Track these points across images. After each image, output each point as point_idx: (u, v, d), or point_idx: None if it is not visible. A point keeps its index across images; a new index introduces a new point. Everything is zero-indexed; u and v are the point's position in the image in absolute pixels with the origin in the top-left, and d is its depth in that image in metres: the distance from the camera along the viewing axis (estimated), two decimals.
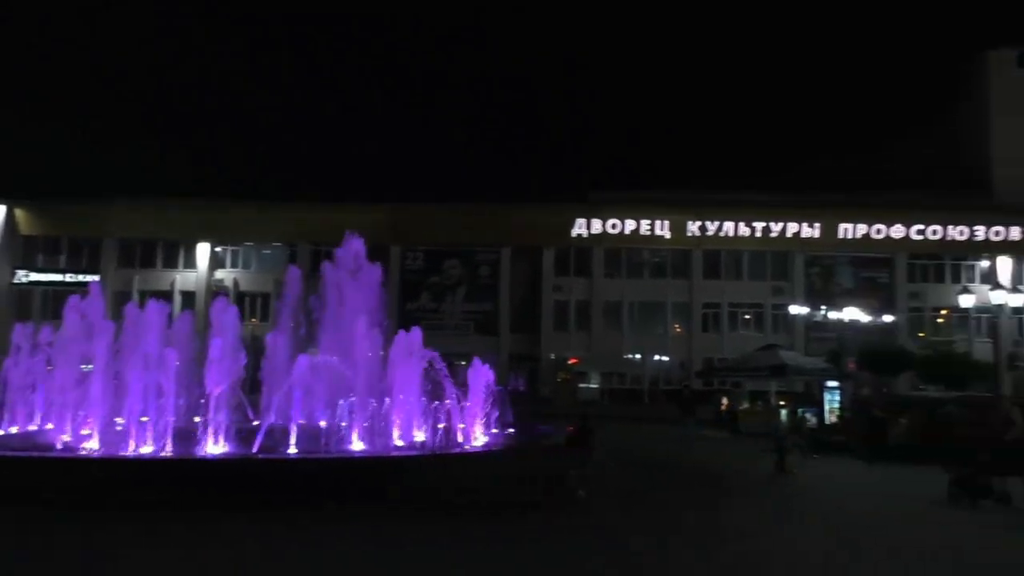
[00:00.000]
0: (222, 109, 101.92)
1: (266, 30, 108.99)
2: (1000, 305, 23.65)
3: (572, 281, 51.84)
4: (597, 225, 51.43)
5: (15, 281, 50.44)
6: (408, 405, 13.58)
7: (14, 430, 14.70)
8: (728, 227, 51.49)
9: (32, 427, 14.97)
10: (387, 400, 12.65)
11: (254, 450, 11.48)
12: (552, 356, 50.86)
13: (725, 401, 31.92)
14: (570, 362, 50.25)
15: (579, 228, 51.55)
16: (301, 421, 12.70)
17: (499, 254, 51.98)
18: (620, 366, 50.52)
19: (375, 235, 21.02)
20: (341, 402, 12.86)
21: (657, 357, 51.62)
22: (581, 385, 49.84)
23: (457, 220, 50.84)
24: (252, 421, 14.80)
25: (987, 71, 55.99)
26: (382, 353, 15.67)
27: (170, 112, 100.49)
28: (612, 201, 52.42)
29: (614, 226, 51.44)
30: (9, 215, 50.58)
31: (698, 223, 51.45)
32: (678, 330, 52.20)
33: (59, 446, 12.32)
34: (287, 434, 12.28)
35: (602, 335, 51.05)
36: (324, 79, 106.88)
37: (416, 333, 14.55)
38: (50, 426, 14.48)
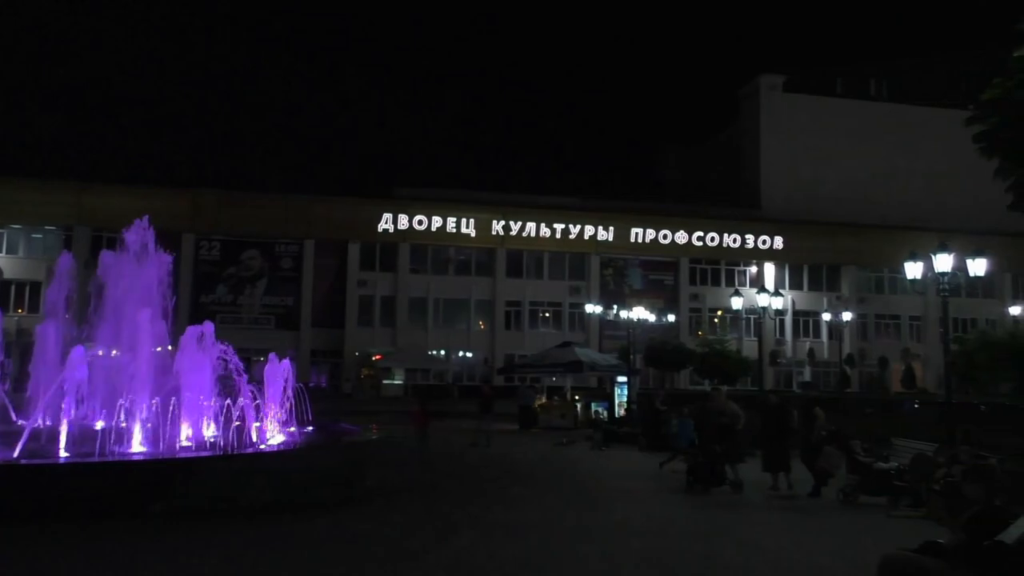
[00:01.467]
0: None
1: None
2: (764, 307, 26.23)
3: (377, 276, 51.35)
4: (404, 220, 51.30)
5: None
6: (198, 403, 12.78)
7: None
8: (530, 228, 53.23)
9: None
10: (174, 398, 11.85)
11: (14, 455, 10.30)
12: (356, 352, 50.07)
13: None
14: (374, 358, 49.73)
15: (386, 223, 51.17)
16: (74, 422, 11.57)
17: (302, 246, 50.41)
18: (425, 362, 50.70)
19: (168, 222, 19.50)
20: (121, 401, 11.83)
21: (461, 353, 52.33)
22: (385, 381, 49.49)
23: (258, 209, 48.74)
24: (16, 423, 13.30)
25: (758, 94, 61.95)
26: (170, 347, 14.65)
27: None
28: (419, 198, 52.54)
29: (420, 222, 51.54)
30: None
31: (502, 223, 52.74)
32: (482, 327, 53.22)
33: None
34: (56, 437, 11.14)
35: (407, 331, 50.98)
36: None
37: (208, 326, 13.72)
38: None
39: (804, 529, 10.95)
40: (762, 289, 29.76)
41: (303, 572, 7.82)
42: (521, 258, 53.81)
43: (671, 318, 50.46)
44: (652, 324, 42.91)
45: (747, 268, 57.12)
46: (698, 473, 14.04)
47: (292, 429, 14.70)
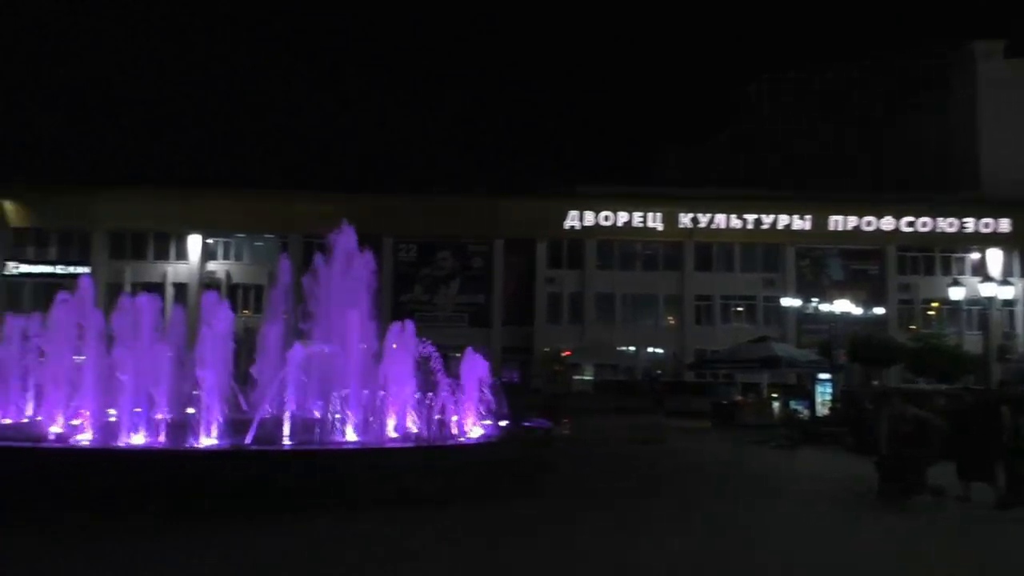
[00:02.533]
0: (214, 99, 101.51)
1: (259, 22, 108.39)
2: (990, 297, 23.74)
3: (565, 273, 51.84)
4: (590, 217, 51.44)
5: (5, 273, 50.05)
6: (402, 397, 13.55)
7: (7, 421, 14.61)
8: (720, 219, 51.59)
9: (24, 419, 14.88)
10: (381, 392, 12.63)
11: (247, 441, 11.43)
12: (545, 348, 50.87)
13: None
14: (563, 354, 50.29)
15: (572, 220, 51.52)
16: (295, 412, 12.67)
17: (491, 246, 51.91)
18: (613, 358, 50.56)
19: (367, 225, 20.88)
20: (335, 393, 12.81)
21: (651, 349, 51.74)
22: (575, 377, 49.89)
23: (449, 211, 50.70)
24: (245, 412, 14.76)
25: (974, 63, 56.13)
26: (376, 344, 15.64)
27: (162, 102, 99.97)
28: (604, 194, 52.49)
29: (607, 218, 51.46)
30: None
31: (690, 215, 51.51)
32: (671, 322, 52.31)
33: (51, 437, 12.25)
34: (280, 425, 12.24)
35: (595, 327, 51.09)
36: (316, 71, 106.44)
37: (410, 325, 14.51)
38: (39, 418, 14.41)
39: None
40: (987, 278, 26.96)
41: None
42: (710, 251, 52.31)
43: (878, 311, 46.90)
44: (856, 317, 40.13)
45: (967, 255, 51.96)
46: (893, 479, 12.65)
47: (488, 423, 15.22)
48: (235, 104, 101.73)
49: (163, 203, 49.90)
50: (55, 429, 12.80)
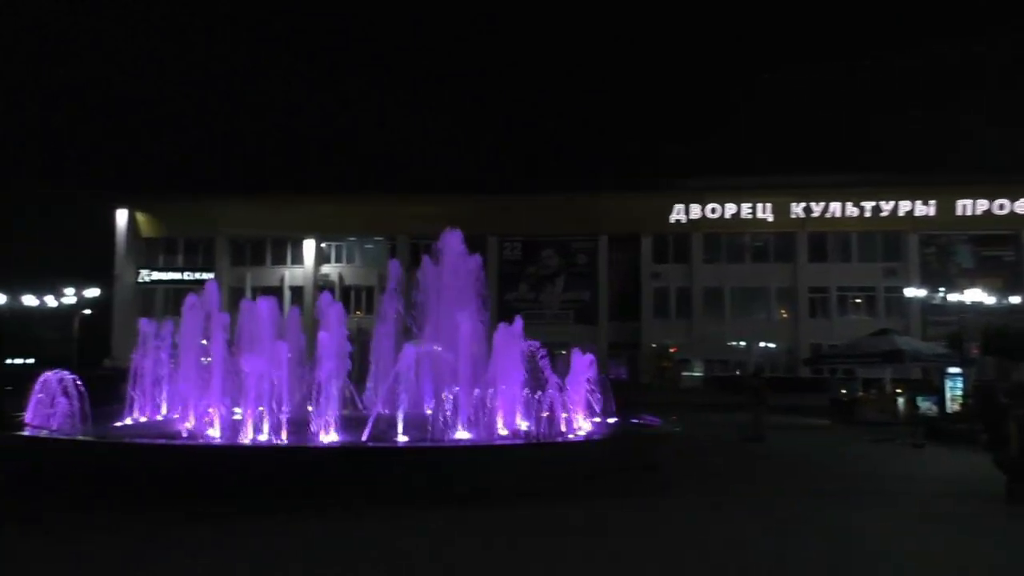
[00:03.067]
0: (324, 109, 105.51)
1: (356, 34, 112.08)
2: None
3: (671, 268, 51.06)
4: (696, 210, 50.46)
5: (140, 280, 53.58)
6: (511, 394, 13.69)
7: (143, 419, 15.65)
8: (835, 208, 49.60)
9: (159, 417, 15.90)
10: (491, 390, 12.80)
11: (363, 438, 11.81)
12: (653, 344, 50.25)
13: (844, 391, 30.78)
14: (671, 350, 49.53)
15: (677, 214, 50.67)
16: (407, 410, 13.00)
17: (596, 242, 51.70)
18: (723, 353, 49.43)
19: (472, 226, 21.22)
20: (446, 392, 13.08)
21: (762, 344, 50.26)
22: (684, 373, 49.05)
23: (553, 210, 50.80)
24: (361, 410, 15.25)
25: None
26: (484, 343, 15.87)
27: (274, 113, 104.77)
28: (710, 186, 51.34)
29: (713, 211, 50.37)
30: (131, 219, 53.71)
31: (802, 205, 49.74)
32: (784, 315, 50.65)
33: (184, 434, 13.02)
34: (394, 423, 12.59)
35: (703, 322, 50.10)
36: (408, 79, 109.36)
37: (517, 323, 14.64)
38: (175, 415, 15.35)
39: None
40: None
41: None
42: (824, 241, 50.32)
43: (1014, 299, 43.86)
44: (989, 307, 37.67)
45: None
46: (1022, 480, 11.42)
47: (597, 419, 15.17)
48: (343, 113, 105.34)
49: (279, 210, 52.30)
50: (187, 426, 13.60)
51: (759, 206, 50.13)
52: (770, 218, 50.15)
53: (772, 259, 50.83)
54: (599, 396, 15.20)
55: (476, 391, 13.16)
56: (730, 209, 50.26)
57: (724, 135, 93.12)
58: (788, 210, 49.92)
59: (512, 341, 14.13)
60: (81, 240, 58.96)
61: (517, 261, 52.57)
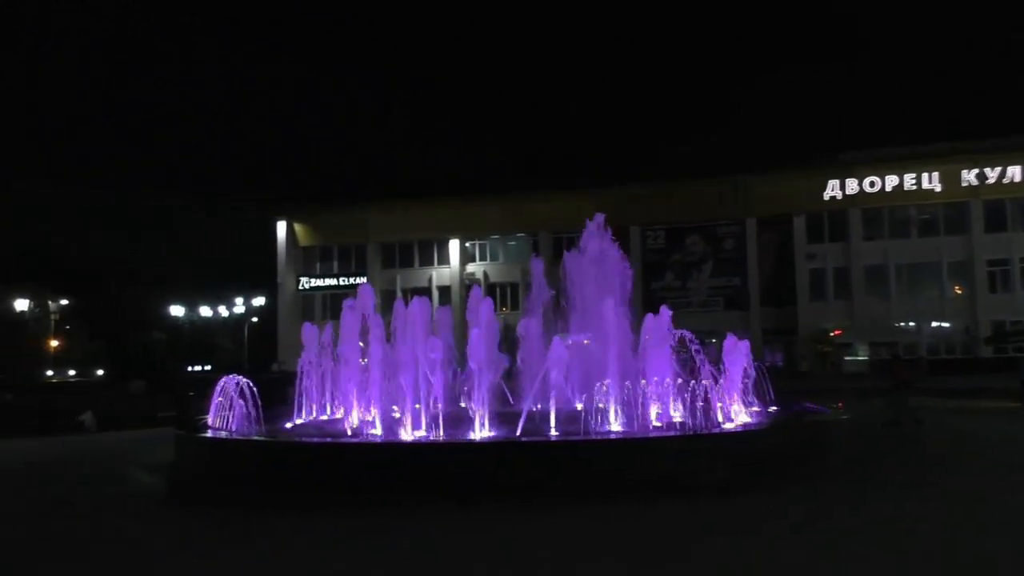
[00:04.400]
0: (457, 110, 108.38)
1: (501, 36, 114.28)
2: None
3: (827, 248, 48.57)
4: (852, 185, 47.78)
5: (300, 288, 57.03)
6: (663, 385, 13.51)
7: (310, 419, 16.63)
8: (1013, 172, 45.46)
9: (324, 416, 16.85)
10: (642, 381, 12.67)
11: (517, 433, 12.01)
12: (810, 328, 48.02)
13: None
14: (832, 334, 47.12)
15: (832, 191, 48.13)
16: (559, 404, 13.10)
17: (743, 226, 49.99)
18: (890, 335, 46.47)
19: (614, 217, 21.01)
20: (596, 385, 13.08)
21: (935, 323, 46.86)
22: (847, 358, 46.55)
23: (696, 195, 49.67)
24: (512, 406, 15.51)
25: None
26: (632, 334, 15.74)
27: (415, 118, 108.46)
28: (869, 159, 48.47)
29: (872, 184, 47.50)
30: (289, 229, 57.25)
31: (974, 171, 45.93)
32: (958, 291, 47.01)
33: (348, 433, 13.72)
34: (546, 417, 12.72)
35: (865, 303, 47.35)
36: (545, 71, 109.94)
37: (664, 313, 14.41)
38: (339, 415, 16.22)
39: None
40: None
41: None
42: (1003, 208, 46.24)
43: None
44: None
45: None
46: None
47: (755, 409, 14.70)
48: (481, 112, 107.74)
49: (424, 213, 54.18)
50: (351, 424, 14.32)
51: (925, 176, 46.78)
52: (938, 188, 46.69)
53: (942, 232, 47.31)
54: (756, 384, 14.74)
55: (627, 383, 13.07)
56: (891, 181, 47.21)
57: (876, 104, 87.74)
58: (958, 178, 46.28)
59: (661, 331, 13.93)
60: (246, 252, 63.60)
61: (661, 250, 51.72)
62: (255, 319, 61.38)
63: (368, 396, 14.66)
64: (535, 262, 20.58)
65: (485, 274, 54.20)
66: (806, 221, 48.92)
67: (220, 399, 14.25)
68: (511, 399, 16.38)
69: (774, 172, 49.39)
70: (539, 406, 13.89)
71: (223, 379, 14.54)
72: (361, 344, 15.83)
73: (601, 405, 12.90)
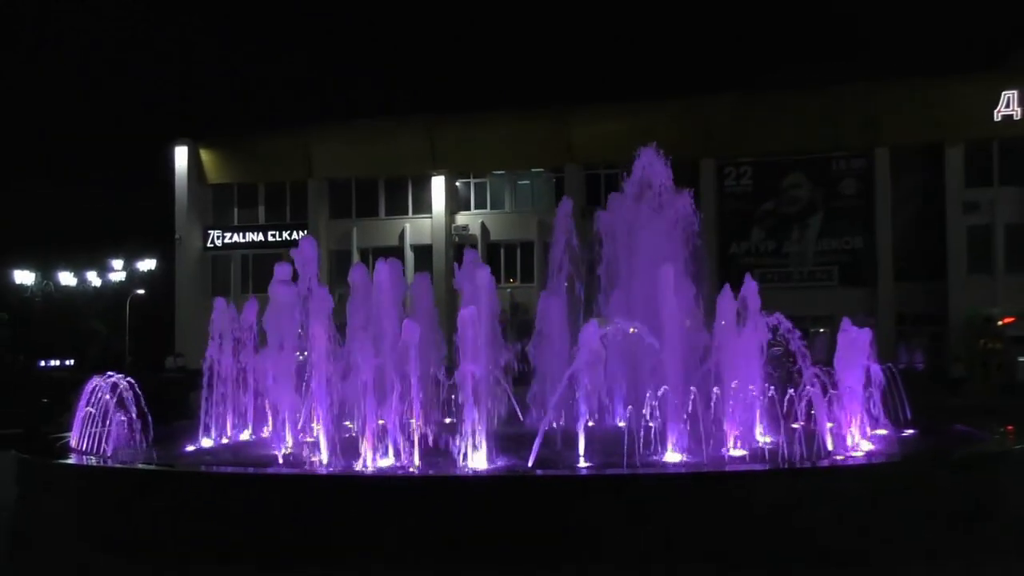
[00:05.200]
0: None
1: None
2: None
3: (996, 193, 48.29)
4: None
5: (209, 245, 57.02)
6: (745, 395, 13.55)
7: (224, 440, 16.75)
8: None
9: (244, 436, 16.96)
10: (715, 389, 12.71)
11: (529, 463, 12.07)
12: (967, 314, 47.92)
13: None
14: (1001, 322, 47.04)
15: (1007, 107, 47.67)
16: (590, 422, 13.19)
17: (871, 160, 49.71)
18: None
19: (676, 146, 20.84)
20: (647, 393, 13.12)
21: None
22: (1021, 359, 46.48)
23: (799, 113, 49.23)
24: (522, 423, 15.60)
25: None
26: (701, 319, 15.77)
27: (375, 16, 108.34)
28: None
29: None
30: (194, 160, 56.96)
31: None
32: None
33: (280, 459, 13.81)
34: (573, 440, 12.76)
35: None
36: None
37: (750, 286, 14.42)
38: (265, 434, 16.33)
39: None
40: None
41: None
42: None
43: None
44: None
45: None
46: None
47: (882, 432, 14.74)
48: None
49: (393, 136, 53.87)
50: (284, 450, 14.41)
51: None
52: None
53: None
54: (883, 396, 14.79)
55: (692, 391, 13.10)
56: None
57: None
58: None
59: (744, 314, 13.95)
60: (130, 194, 63.72)
61: (746, 195, 51.54)
62: (141, 291, 61.36)
63: (309, 405, 14.73)
64: (561, 209, 20.55)
65: (484, 228, 54.14)
66: (965, 153, 48.61)
67: (89, 409, 14.36)
68: (520, 413, 16.49)
69: (916, 80, 48.95)
70: (561, 423, 13.95)
71: (93, 380, 14.64)
72: (299, 330, 15.90)
73: (653, 423, 12.96)
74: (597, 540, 10.54)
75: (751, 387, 13.72)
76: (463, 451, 12.52)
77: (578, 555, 10.36)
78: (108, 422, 14.52)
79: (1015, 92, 47.43)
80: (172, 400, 20.87)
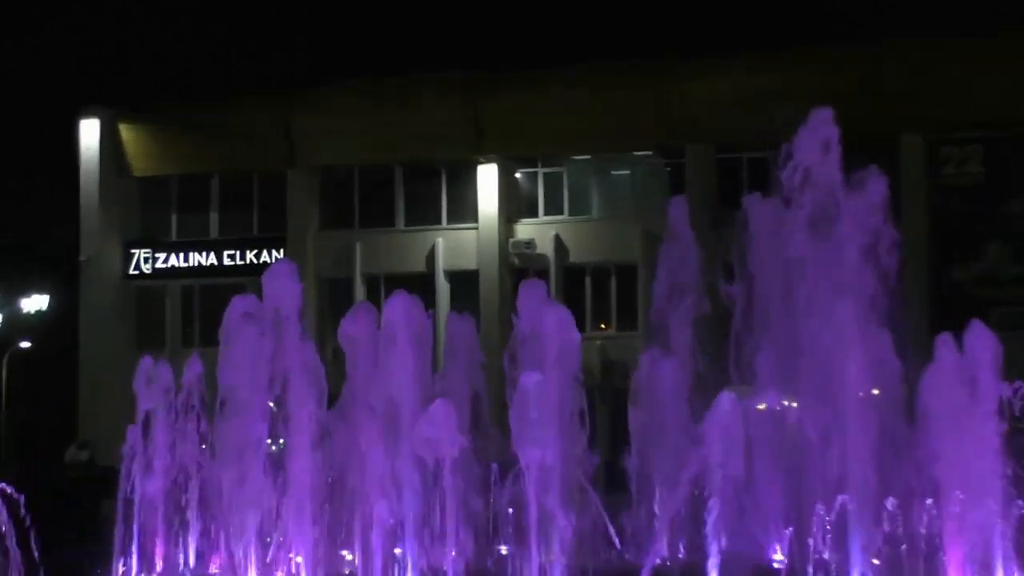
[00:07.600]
0: None
1: None
2: None
3: None
4: None
5: (132, 271, 57.30)
6: (978, 513, 13.34)
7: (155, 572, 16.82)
8: None
9: (184, 567, 17.02)
10: (928, 501, 12.57)
11: None
12: None
13: None
14: None
15: None
16: (730, 550, 13.08)
17: None
18: None
19: (859, 111, 20.49)
20: (817, 507, 13.00)
21: None
22: None
23: None
24: (620, 554, 15.51)
25: None
26: (899, 386, 15.56)
27: None
28: None
29: None
30: (109, 140, 57.11)
31: None
32: None
33: None
34: None
35: None
36: None
37: (983, 337, 14.22)
38: (214, 571, 16.36)
39: None
40: None
41: None
42: None
43: None
44: None
45: None
46: None
47: None
48: None
49: (416, 108, 53.83)
50: None
51: None
52: None
53: None
54: None
55: (889, 502, 12.96)
56: None
57: None
58: None
59: (975, 379, 13.77)
60: (11, 200, 64.62)
61: (975, 187, 51.11)
62: (25, 344, 61.70)
63: (286, 524, 14.77)
64: (673, 212, 20.55)
65: (558, 243, 53.90)
66: None
67: None
68: (616, 539, 16.38)
69: None
70: (681, 555, 13.85)
71: None
72: (271, 404, 15.94)
73: (825, 554, 12.82)
74: None
75: (989, 500, 13.52)
76: None
77: None
78: None
79: None
80: (75, 513, 21.10)
